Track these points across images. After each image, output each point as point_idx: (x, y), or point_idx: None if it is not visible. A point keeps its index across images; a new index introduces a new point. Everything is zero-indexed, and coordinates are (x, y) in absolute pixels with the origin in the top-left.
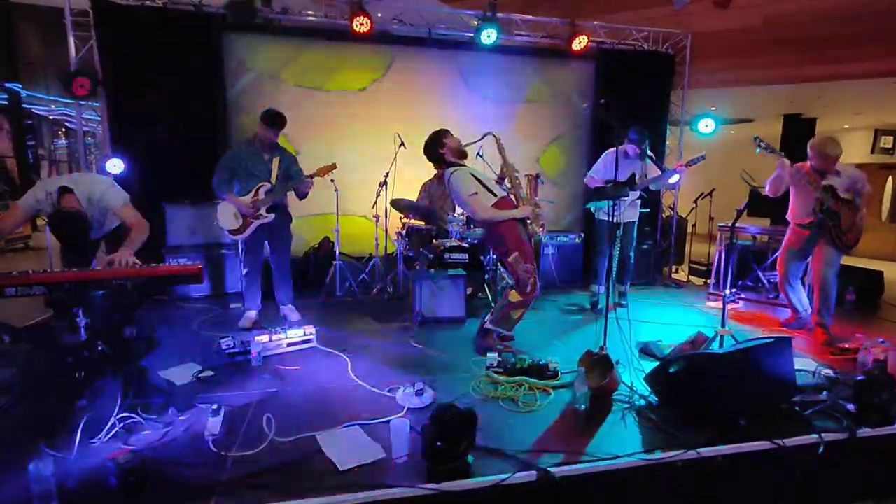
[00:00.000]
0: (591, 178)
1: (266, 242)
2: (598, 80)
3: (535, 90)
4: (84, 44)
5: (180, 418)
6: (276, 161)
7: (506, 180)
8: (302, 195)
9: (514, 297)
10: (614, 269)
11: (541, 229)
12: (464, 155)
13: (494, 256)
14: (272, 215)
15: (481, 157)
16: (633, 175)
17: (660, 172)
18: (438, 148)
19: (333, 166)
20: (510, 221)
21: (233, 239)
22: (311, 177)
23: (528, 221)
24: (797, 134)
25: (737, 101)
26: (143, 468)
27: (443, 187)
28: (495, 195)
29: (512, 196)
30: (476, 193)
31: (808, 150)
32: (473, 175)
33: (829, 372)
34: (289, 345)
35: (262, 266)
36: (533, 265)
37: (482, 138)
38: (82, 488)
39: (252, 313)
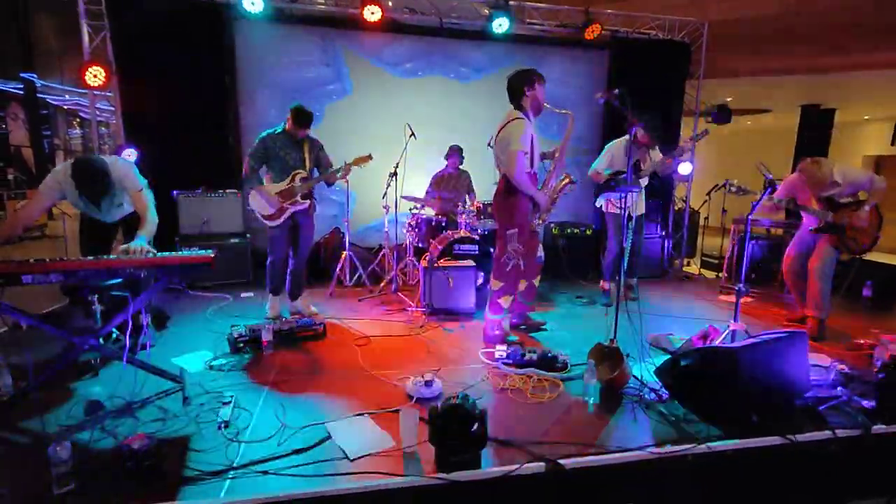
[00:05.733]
0: (597, 173)
1: (291, 230)
2: (612, 69)
3: (547, 80)
4: (97, 33)
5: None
6: (306, 148)
7: (551, 162)
8: (330, 183)
9: (495, 284)
10: (625, 263)
11: (540, 222)
12: (538, 110)
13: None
14: (307, 202)
15: (492, 147)
16: (638, 162)
17: (662, 156)
18: (525, 86)
19: (369, 157)
20: (524, 198)
21: (263, 224)
22: (348, 168)
23: (536, 210)
24: (815, 125)
25: (753, 91)
26: (157, 453)
27: (461, 177)
28: (531, 166)
29: (549, 182)
30: (526, 154)
31: (799, 174)
32: (532, 135)
33: (844, 368)
34: (300, 334)
35: (288, 254)
36: (523, 249)
37: (564, 111)
38: (99, 471)
39: (277, 300)
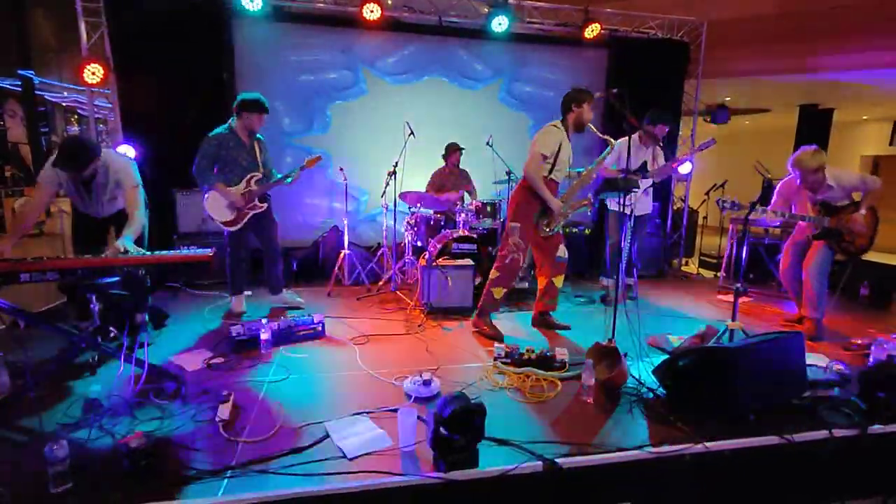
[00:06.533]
0: (604, 168)
1: (252, 231)
2: (611, 68)
3: (545, 79)
4: (95, 31)
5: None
6: (257, 148)
7: (575, 181)
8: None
9: (493, 273)
10: (624, 261)
11: (547, 229)
12: (580, 129)
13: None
14: (265, 204)
15: (491, 146)
16: (645, 163)
17: (666, 161)
18: (573, 104)
19: (318, 158)
20: (537, 199)
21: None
22: (301, 169)
23: (546, 216)
24: (813, 125)
25: (752, 90)
26: (154, 452)
27: (460, 175)
28: (549, 173)
29: (568, 197)
30: (544, 157)
31: (790, 170)
32: (560, 145)
33: (841, 367)
34: (298, 333)
35: (247, 254)
36: (524, 245)
37: (605, 137)
38: (96, 470)
39: (242, 297)
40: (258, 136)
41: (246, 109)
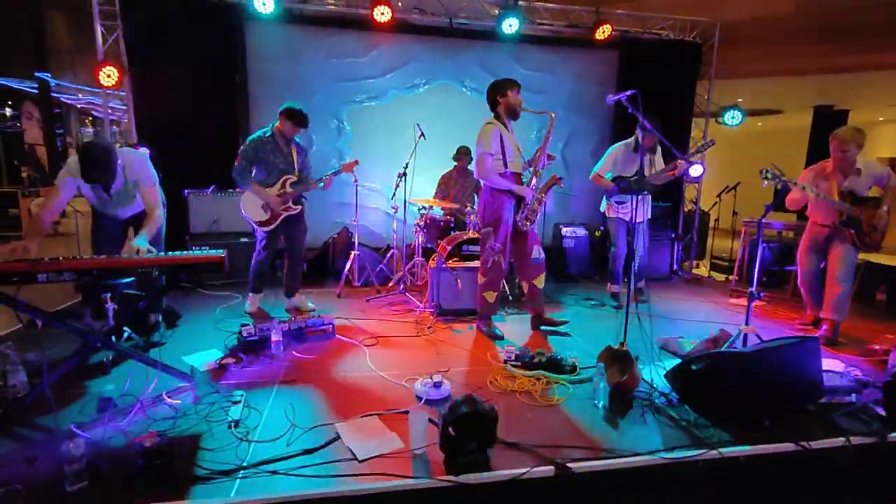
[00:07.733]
0: (598, 177)
1: (282, 233)
2: (622, 69)
3: (556, 80)
4: (111, 33)
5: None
6: (294, 151)
7: (532, 167)
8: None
9: (480, 279)
10: (634, 267)
11: (528, 223)
12: (513, 115)
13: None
14: (299, 206)
15: None
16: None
17: (664, 167)
18: (497, 95)
19: (356, 162)
20: (502, 197)
21: (256, 228)
22: (336, 173)
23: (521, 209)
24: (828, 126)
25: (766, 91)
26: (168, 451)
27: (468, 177)
28: (506, 167)
29: (532, 180)
30: (491, 155)
31: (830, 141)
32: (501, 137)
33: (858, 373)
34: (309, 334)
35: (273, 256)
36: (502, 247)
37: (545, 112)
38: (111, 469)
39: (258, 297)
40: (296, 139)
41: (284, 115)
